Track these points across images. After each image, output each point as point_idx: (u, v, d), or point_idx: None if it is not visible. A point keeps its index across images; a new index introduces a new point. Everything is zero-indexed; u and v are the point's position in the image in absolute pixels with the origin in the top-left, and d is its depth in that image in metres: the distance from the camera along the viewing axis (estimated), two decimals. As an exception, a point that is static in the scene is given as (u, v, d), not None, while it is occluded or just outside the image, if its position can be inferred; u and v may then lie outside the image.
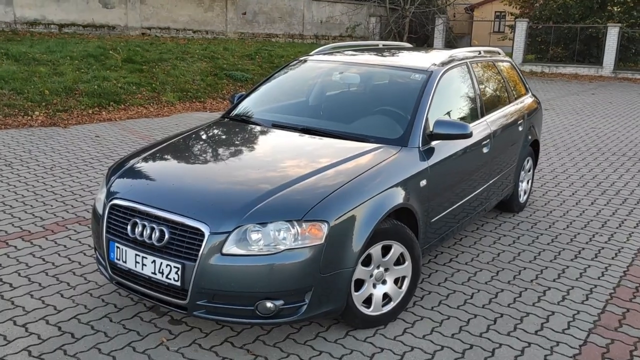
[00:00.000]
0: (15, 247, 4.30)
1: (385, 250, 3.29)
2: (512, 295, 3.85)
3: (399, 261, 3.39)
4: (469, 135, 3.71)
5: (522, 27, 24.71)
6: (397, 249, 3.32)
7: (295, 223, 2.87)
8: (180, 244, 2.90)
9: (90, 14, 17.96)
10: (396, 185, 3.33)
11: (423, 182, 3.56)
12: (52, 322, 3.31)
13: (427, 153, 3.69)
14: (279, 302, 2.88)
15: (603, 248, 4.72)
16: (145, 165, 3.53)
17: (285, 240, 2.86)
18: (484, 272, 4.18)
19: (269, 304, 2.87)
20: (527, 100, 5.63)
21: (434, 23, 25.74)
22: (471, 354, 3.15)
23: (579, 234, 5.03)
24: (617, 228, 5.21)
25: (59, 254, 4.21)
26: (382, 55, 4.79)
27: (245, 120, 4.21)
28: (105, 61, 12.14)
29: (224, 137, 4.02)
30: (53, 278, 3.84)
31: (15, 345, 3.07)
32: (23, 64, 10.80)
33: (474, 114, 4.43)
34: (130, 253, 3.03)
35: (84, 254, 4.23)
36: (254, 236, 2.86)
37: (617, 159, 8.03)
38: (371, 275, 3.27)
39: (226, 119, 4.33)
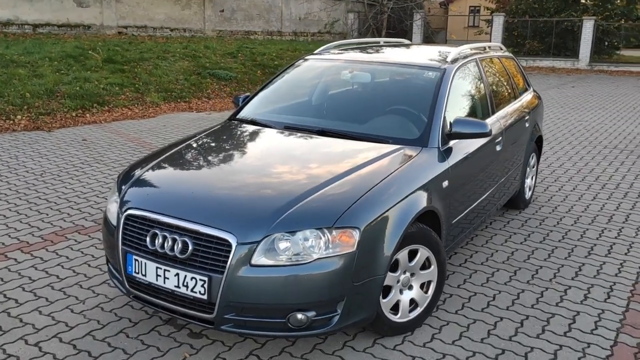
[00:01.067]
0: (15, 259, 4.11)
1: (411, 254, 3.19)
2: (534, 295, 3.79)
3: (424, 265, 3.30)
4: (489, 134, 3.64)
5: (499, 21, 24.92)
6: (423, 253, 3.23)
7: (326, 230, 2.75)
8: (206, 255, 2.76)
9: (65, 13, 17.51)
10: (422, 187, 3.24)
11: (445, 183, 3.47)
12: (65, 340, 3.14)
13: (447, 153, 3.60)
14: (311, 314, 2.76)
15: (614, 244, 4.70)
16: (159, 173, 3.37)
17: (316, 249, 2.74)
18: (501, 272, 4.12)
19: (300, 316, 2.75)
20: (530, 95, 5.60)
21: (412, 18, 25.76)
22: (504, 359, 3.07)
23: (587, 229, 5.00)
24: (623, 223, 5.20)
25: (62, 266, 4.03)
26: (390, 53, 4.69)
27: (255, 122, 4.06)
28: (85, 62, 11.82)
29: (236, 141, 3.87)
30: (60, 292, 3.66)
31: (30, 366, 2.90)
32: (1, 66, 10.44)
33: (486, 112, 4.36)
34: (151, 266, 2.88)
35: (89, 265, 4.05)
36: (283, 245, 2.74)
37: (609, 152, 8.08)
38: (398, 281, 3.17)
39: (234, 122, 4.18)
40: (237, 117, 4.24)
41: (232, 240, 2.71)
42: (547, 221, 5.19)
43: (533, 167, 5.59)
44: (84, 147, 7.47)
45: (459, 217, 3.76)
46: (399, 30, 25.48)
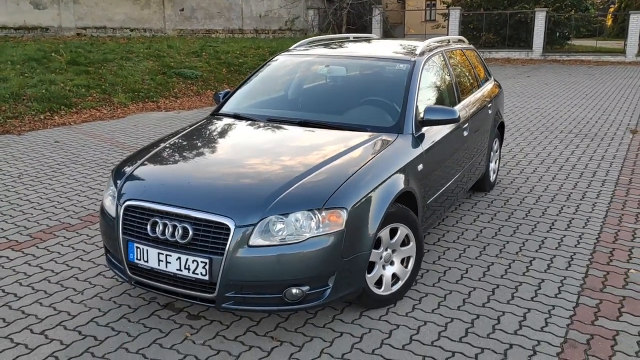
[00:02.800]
0: (7, 257, 4.22)
1: (392, 232, 3.46)
2: (503, 267, 4.12)
3: (404, 242, 3.57)
4: (458, 120, 3.94)
5: (455, 14, 25.54)
6: (402, 230, 3.50)
7: (316, 211, 3.00)
8: (206, 239, 2.97)
9: (22, 15, 17.28)
10: (400, 170, 3.51)
11: (420, 167, 3.76)
12: (69, 327, 3.31)
13: (420, 139, 3.89)
14: (305, 288, 3.01)
15: (573, 219, 5.08)
16: (153, 166, 3.56)
17: (307, 229, 2.98)
18: (472, 249, 4.44)
19: (295, 291, 2.99)
20: (491, 84, 5.95)
21: (371, 14, 26.17)
22: (480, 323, 3.38)
23: (548, 207, 5.38)
24: (580, 200, 5.60)
25: (55, 261, 4.16)
26: (362, 48, 4.96)
27: (238, 116, 4.27)
28: (48, 64, 11.75)
29: (224, 133, 4.06)
30: (57, 285, 3.81)
31: (40, 352, 3.06)
32: (-38, 71, 10.33)
33: (453, 100, 4.67)
34: (152, 252, 3.08)
35: (81, 259, 4.20)
36: (277, 227, 2.97)
37: (565, 137, 8.55)
38: (381, 257, 3.44)
39: (218, 116, 4.38)
40: (220, 112, 4.44)
41: (231, 224, 2.93)
42: (511, 201, 5.55)
43: (496, 151, 5.95)
44: (57, 149, 7.52)
45: (433, 197, 4.05)
46: (359, 25, 25.85)
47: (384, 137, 3.75)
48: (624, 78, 17.11)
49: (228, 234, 2.93)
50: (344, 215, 3.03)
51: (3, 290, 3.73)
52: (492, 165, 5.83)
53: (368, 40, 5.61)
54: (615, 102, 12.10)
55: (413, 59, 4.31)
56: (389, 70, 4.38)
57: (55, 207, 5.30)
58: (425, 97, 4.22)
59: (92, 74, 11.80)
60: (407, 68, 4.23)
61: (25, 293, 3.70)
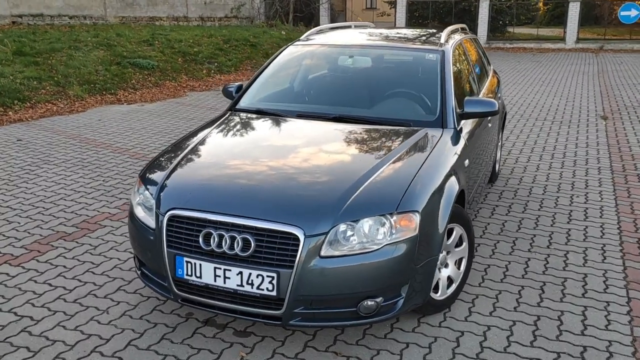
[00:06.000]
0: (7, 274, 3.76)
1: (448, 233, 3.28)
2: (540, 262, 4.02)
3: (457, 243, 3.40)
4: (498, 112, 3.79)
5: (402, 2, 25.63)
6: (457, 231, 3.33)
7: (388, 216, 2.77)
8: (271, 251, 2.68)
9: (-49, 2, 15.94)
10: (454, 167, 3.32)
11: (466, 162, 3.59)
12: (107, 353, 2.94)
13: (461, 132, 3.71)
14: (379, 299, 2.78)
15: (587, 208, 5.06)
16: (191, 169, 3.21)
17: (381, 236, 2.75)
18: (502, 244, 4.32)
19: (370, 303, 2.76)
20: (492, 72, 5.85)
21: (318, 1, 25.86)
22: (543, 324, 3.25)
23: (558, 197, 5.35)
24: (585, 188, 5.61)
25: (64, 277, 3.74)
26: (379, 36, 4.72)
27: (262, 112, 3.95)
28: (-8, 55, 10.86)
29: (257, 131, 3.73)
30: (75, 304, 3.41)
31: (83, 386, 2.70)
32: None
33: (474, 90, 4.52)
34: (207, 267, 2.76)
35: (93, 273, 3.80)
36: (349, 234, 2.72)
37: (542, 124, 8.64)
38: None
39: (240, 112, 4.03)
40: (238, 107, 4.10)
41: (300, 234, 2.65)
42: (520, 192, 5.49)
43: (498, 142, 5.87)
44: (23, 148, 6.90)
45: (472, 192, 3.90)
46: (306, 13, 25.50)
47: (430, 132, 3.55)
48: (568, 64, 17.65)
49: (297, 245, 2.65)
50: (416, 219, 2.82)
51: (15, 314, 3.30)
52: (497, 156, 5.76)
53: (370, 28, 5.38)
54: (573, 87, 12.41)
55: (441, 49, 4.12)
56: (418, 60, 4.18)
57: (43, 214, 4.81)
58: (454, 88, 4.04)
59: (42, 64, 10.99)
60: (437, 58, 4.04)
61: (43, 315, 3.28)
